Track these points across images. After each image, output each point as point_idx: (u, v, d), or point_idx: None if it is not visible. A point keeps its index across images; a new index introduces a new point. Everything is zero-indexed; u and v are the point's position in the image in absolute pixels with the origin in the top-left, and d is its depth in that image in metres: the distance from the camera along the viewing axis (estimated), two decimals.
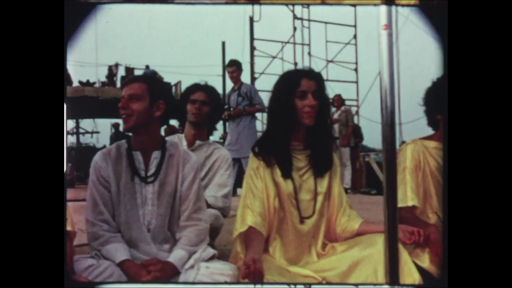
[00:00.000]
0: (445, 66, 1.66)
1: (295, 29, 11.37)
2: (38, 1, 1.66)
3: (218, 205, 2.59)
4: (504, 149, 1.63)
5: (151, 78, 2.04)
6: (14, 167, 1.60)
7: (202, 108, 2.68)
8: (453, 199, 1.64)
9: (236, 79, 5.04)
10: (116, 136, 11.36)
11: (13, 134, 1.61)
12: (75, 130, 15.02)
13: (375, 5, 1.73)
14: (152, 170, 2.00)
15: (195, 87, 2.74)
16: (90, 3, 1.75)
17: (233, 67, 5.03)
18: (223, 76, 11.74)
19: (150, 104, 1.96)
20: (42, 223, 1.60)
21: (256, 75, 11.61)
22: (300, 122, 1.98)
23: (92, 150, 13.21)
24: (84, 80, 12.16)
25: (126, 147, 2.01)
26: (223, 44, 12.26)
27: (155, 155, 2.01)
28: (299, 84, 1.97)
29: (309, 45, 11.64)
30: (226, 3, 1.88)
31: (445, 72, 1.67)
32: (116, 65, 12.99)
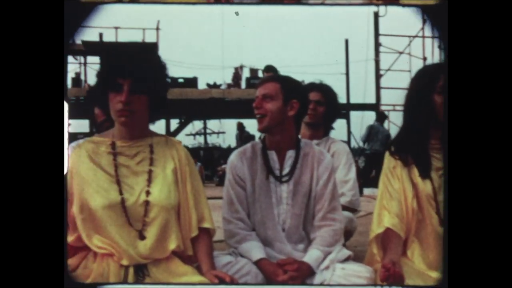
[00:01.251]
0: (445, 66, 1.66)
1: (424, 21, 10.87)
2: (38, 1, 1.66)
3: (347, 201, 2.54)
4: (504, 149, 1.62)
5: (285, 78, 2.04)
6: (14, 167, 1.61)
7: (317, 108, 2.64)
8: (453, 199, 1.63)
9: None
10: (240, 136, 11.69)
11: (13, 134, 1.62)
12: (202, 131, 15.67)
13: (376, 5, 1.78)
14: (286, 169, 2.00)
15: (309, 87, 2.67)
16: (90, 3, 1.74)
17: (270, 73, 5.04)
18: (347, 74, 11.59)
19: (283, 104, 1.96)
20: (42, 223, 1.60)
21: (381, 72, 11.31)
22: (439, 119, 1.87)
23: (218, 150, 13.71)
24: (211, 83, 12.65)
25: (261, 147, 2.03)
26: (346, 41, 12.08)
27: (290, 154, 2.01)
28: (439, 79, 1.86)
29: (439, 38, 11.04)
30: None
31: (445, 72, 1.65)
32: (241, 67, 13.35)
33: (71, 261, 1.70)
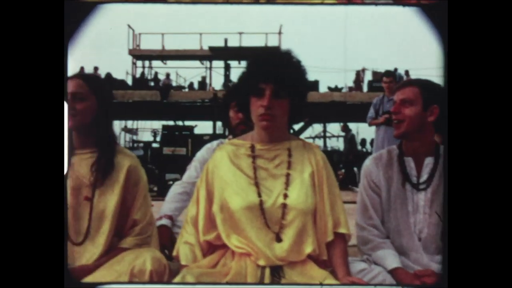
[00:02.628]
0: (445, 66, 1.66)
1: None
2: (38, 1, 1.66)
3: None
4: (504, 149, 1.63)
5: (425, 82, 1.97)
6: (15, 167, 1.62)
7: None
8: (453, 199, 1.63)
9: (392, 89, 5.17)
10: (345, 138, 11.39)
11: (13, 135, 1.62)
12: (322, 134, 15.61)
13: (376, 5, 1.78)
14: (424, 177, 1.93)
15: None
16: (90, 3, 1.73)
17: (390, 78, 5.40)
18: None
19: (423, 109, 1.90)
20: (43, 223, 1.61)
21: None
22: None
23: (337, 153, 13.57)
24: (333, 86, 12.58)
25: (398, 153, 1.98)
26: None
27: (428, 161, 1.94)
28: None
29: None
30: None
31: (445, 72, 1.65)
32: (363, 70, 13.14)
33: (211, 259, 1.77)
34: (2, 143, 1.64)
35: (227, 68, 14.56)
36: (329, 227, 1.77)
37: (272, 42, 14.16)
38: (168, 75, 13.76)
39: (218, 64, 14.80)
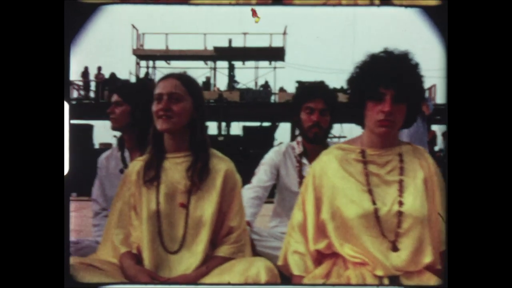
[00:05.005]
0: (445, 66, 1.66)
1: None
2: (39, 1, 1.65)
3: None
4: (504, 149, 1.63)
5: None
6: (15, 168, 1.60)
7: None
8: (453, 199, 1.63)
9: None
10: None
11: (13, 135, 1.61)
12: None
13: (376, 5, 1.77)
14: None
15: None
16: (90, 4, 1.71)
17: None
18: None
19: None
20: (43, 223, 1.59)
21: None
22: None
23: None
24: (338, 87, 12.49)
25: None
26: None
27: None
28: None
29: None
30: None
31: (445, 72, 1.66)
32: None
33: (323, 268, 1.70)
34: (3, 144, 1.62)
35: (231, 68, 14.50)
36: (443, 236, 1.69)
37: (277, 42, 14.10)
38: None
39: (223, 64, 14.73)
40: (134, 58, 14.92)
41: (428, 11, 1.72)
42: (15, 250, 1.60)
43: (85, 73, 14.07)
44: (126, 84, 3.11)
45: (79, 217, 5.59)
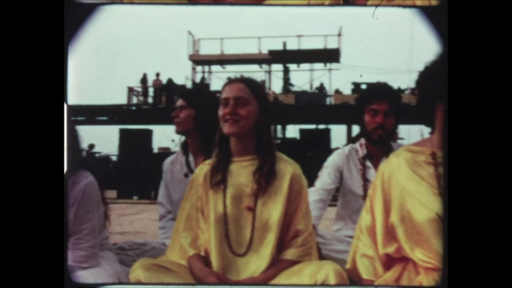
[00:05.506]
0: (445, 66, 1.66)
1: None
2: (38, 1, 1.64)
3: None
4: (504, 149, 1.63)
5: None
6: (15, 168, 1.60)
7: None
8: (453, 199, 1.62)
9: None
10: None
11: (13, 136, 1.60)
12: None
13: (376, 5, 1.77)
14: None
15: None
16: (90, 4, 1.71)
17: None
18: None
19: None
20: (43, 223, 1.59)
21: None
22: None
23: None
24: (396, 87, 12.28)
25: None
26: None
27: None
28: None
29: None
30: None
31: (445, 73, 1.65)
32: None
33: (394, 272, 1.69)
34: (3, 144, 1.62)
35: (286, 71, 14.48)
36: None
37: (332, 44, 13.97)
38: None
39: (277, 67, 14.74)
40: (190, 63, 15.19)
41: (427, 11, 1.74)
42: (15, 250, 1.61)
43: (143, 80, 14.46)
44: (190, 89, 3.17)
45: (142, 220, 5.75)
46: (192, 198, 1.88)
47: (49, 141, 1.64)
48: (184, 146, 2.47)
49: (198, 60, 15.15)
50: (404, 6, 1.78)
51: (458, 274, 1.61)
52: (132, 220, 5.67)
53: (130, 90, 14.70)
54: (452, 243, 1.61)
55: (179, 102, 2.41)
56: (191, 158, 2.42)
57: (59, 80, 1.66)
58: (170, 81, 13.25)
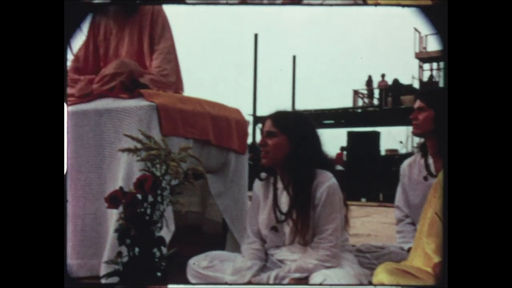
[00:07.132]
0: (445, 66, 1.68)
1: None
2: (38, 1, 1.65)
3: None
4: (504, 150, 1.63)
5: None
6: (15, 168, 1.60)
7: None
8: (453, 199, 1.63)
9: None
10: None
11: (13, 135, 1.60)
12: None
13: (375, 5, 1.87)
14: None
15: None
16: (90, 3, 1.71)
17: None
18: None
19: None
20: (43, 223, 1.59)
21: None
22: None
23: None
24: None
25: None
26: None
27: None
28: None
29: None
30: None
31: (445, 73, 1.67)
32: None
33: None
34: (2, 144, 1.64)
35: None
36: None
37: None
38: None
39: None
40: (416, 61, 14.74)
41: (427, 10, 1.75)
42: (15, 251, 1.62)
43: (369, 82, 14.49)
44: (429, 89, 3.13)
45: (372, 222, 5.75)
46: (435, 203, 1.81)
47: (49, 141, 1.66)
48: (423, 149, 2.39)
49: (425, 57, 14.61)
50: (404, 6, 1.79)
51: (458, 274, 1.61)
52: (363, 222, 5.70)
53: (356, 93, 14.87)
54: (452, 243, 1.62)
55: (418, 103, 2.34)
56: (430, 160, 2.33)
57: (59, 80, 1.69)
58: (396, 81, 13.02)
